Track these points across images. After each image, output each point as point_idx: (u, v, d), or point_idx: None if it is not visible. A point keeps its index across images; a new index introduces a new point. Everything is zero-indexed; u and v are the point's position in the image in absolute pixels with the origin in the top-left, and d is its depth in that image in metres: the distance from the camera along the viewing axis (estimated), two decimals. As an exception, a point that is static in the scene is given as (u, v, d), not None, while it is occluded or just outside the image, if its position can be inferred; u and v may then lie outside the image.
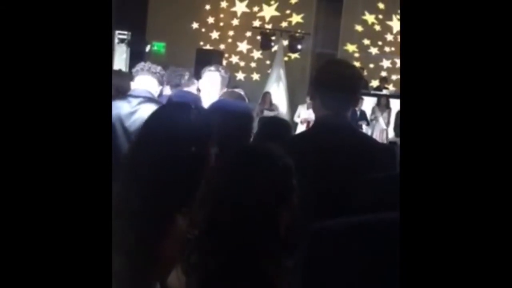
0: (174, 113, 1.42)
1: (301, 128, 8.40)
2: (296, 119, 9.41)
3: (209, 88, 2.94)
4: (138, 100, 2.63)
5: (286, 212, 1.20)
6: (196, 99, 2.71)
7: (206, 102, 2.85)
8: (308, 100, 9.28)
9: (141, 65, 2.83)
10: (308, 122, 8.90)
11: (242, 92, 2.70)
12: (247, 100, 2.64)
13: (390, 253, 0.70)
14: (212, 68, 3.02)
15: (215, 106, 1.87)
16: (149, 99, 2.66)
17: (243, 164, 1.24)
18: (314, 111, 1.83)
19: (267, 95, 9.42)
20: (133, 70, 2.84)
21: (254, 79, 11.48)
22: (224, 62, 11.07)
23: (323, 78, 1.81)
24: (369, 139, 1.82)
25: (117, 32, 9.61)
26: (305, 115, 8.92)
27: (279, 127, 2.40)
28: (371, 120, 9.37)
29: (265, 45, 11.02)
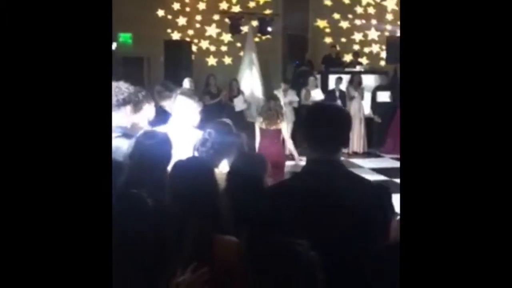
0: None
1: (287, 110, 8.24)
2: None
3: (183, 115, 2.85)
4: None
5: None
6: (164, 149, 2.36)
7: (180, 129, 2.76)
8: (282, 85, 9.26)
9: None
10: (291, 103, 8.96)
11: (229, 122, 2.60)
12: (234, 129, 2.54)
13: None
14: (186, 93, 2.91)
15: (173, 174, 1.85)
16: (124, 135, 2.50)
17: None
18: (306, 154, 1.79)
19: (233, 82, 9.39)
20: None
21: (226, 63, 11.31)
22: (194, 48, 10.85)
23: (311, 123, 1.79)
24: (363, 180, 1.77)
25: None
26: (287, 99, 8.91)
27: (254, 166, 2.17)
28: (351, 98, 9.32)
29: (234, 29, 10.83)
